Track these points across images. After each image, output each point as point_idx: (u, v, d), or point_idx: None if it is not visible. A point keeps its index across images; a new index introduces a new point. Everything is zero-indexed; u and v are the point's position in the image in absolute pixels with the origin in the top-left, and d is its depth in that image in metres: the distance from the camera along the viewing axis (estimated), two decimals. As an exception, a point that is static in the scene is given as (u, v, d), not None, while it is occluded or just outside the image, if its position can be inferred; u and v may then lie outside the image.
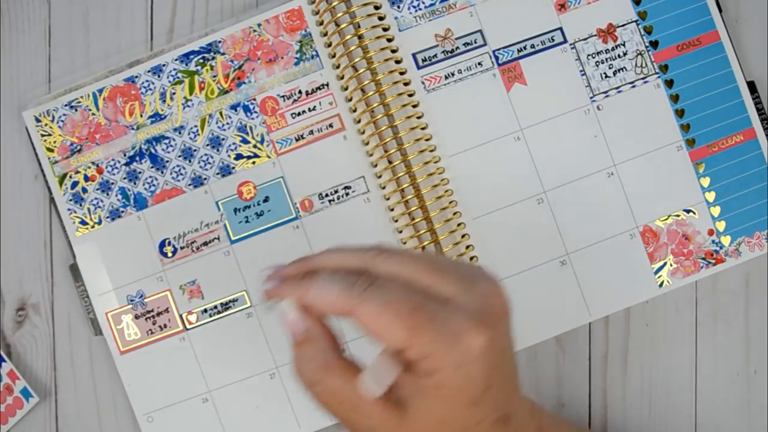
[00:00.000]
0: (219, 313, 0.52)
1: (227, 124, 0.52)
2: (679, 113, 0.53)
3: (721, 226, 0.53)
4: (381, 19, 0.52)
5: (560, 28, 0.53)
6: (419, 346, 0.35)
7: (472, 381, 0.36)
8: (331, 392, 0.38)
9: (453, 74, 0.52)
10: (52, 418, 0.53)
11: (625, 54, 0.53)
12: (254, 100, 0.52)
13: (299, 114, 0.52)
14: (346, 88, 0.52)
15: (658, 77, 0.53)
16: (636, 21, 0.53)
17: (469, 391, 0.36)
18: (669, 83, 0.53)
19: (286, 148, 0.52)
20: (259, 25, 0.52)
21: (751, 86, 0.53)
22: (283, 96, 0.52)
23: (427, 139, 0.52)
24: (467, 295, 0.37)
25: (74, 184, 0.52)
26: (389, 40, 0.52)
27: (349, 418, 0.38)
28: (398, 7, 0.52)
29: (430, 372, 0.36)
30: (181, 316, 0.52)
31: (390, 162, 0.51)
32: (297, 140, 0.52)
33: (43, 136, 0.52)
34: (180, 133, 0.52)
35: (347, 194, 0.52)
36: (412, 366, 0.36)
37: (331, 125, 0.52)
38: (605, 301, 0.52)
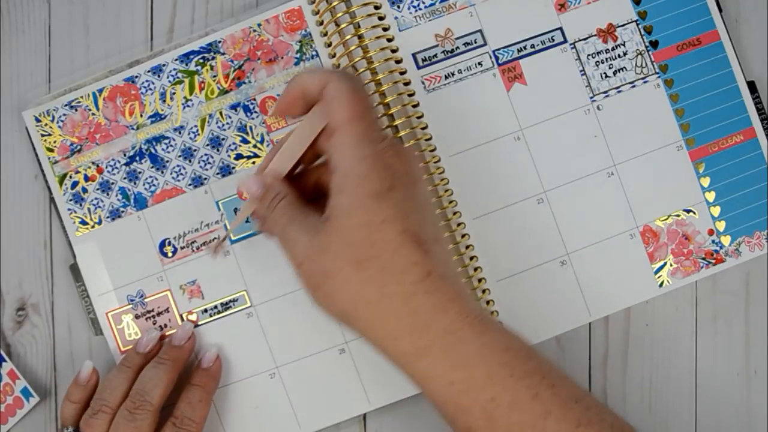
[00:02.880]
0: (219, 313, 0.52)
1: (227, 124, 0.52)
2: (679, 113, 0.53)
3: (721, 226, 0.53)
4: (381, 19, 0.52)
5: (560, 28, 0.53)
6: (350, 130, 0.41)
7: (373, 172, 0.41)
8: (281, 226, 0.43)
9: (453, 74, 0.52)
10: (52, 418, 0.53)
11: (625, 54, 0.53)
12: (254, 100, 0.52)
13: (299, 114, 0.52)
14: (346, 88, 0.52)
15: (658, 77, 0.53)
16: (636, 21, 0.53)
17: (371, 182, 0.41)
18: (669, 83, 0.53)
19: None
20: (259, 25, 0.52)
21: (751, 86, 0.53)
22: (283, 96, 0.52)
23: (427, 139, 0.52)
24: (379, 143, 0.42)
25: (74, 184, 0.52)
26: (389, 40, 0.52)
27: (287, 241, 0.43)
28: (398, 7, 0.52)
29: (339, 163, 0.41)
30: (181, 316, 0.52)
31: (390, 162, 0.51)
32: (297, 140, 0.52)
33: (43, 136, 0.52)
34: (180, 133, 0.52)
35: (347, 194, 0.52)
36: (329, 166, 0.42)
37: (331, 125, 0.52)
38: (605, 301, 0.52)
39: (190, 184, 0.52)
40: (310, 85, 0.43)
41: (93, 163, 0.52)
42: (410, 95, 0.52)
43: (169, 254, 0.52)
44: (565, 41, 0.53)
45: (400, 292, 0.40)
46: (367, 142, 0.41)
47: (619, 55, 0.53)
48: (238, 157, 0.52)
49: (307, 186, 0.46)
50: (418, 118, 0.52)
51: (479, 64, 0.52)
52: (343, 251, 0.41)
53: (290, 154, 0.45)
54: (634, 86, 0.53)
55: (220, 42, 0.52)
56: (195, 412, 0.49)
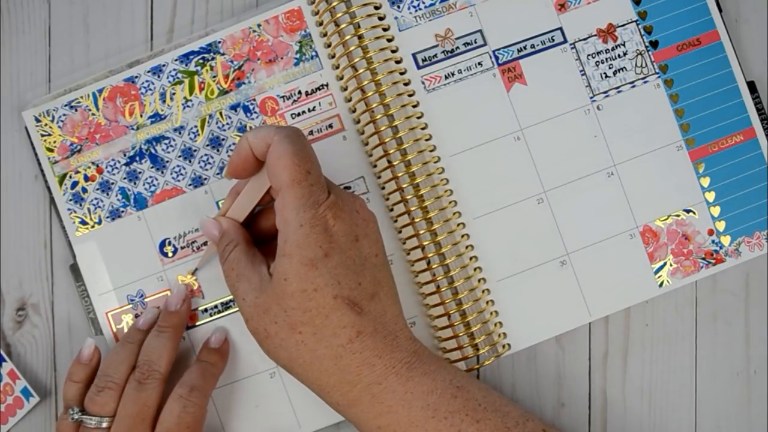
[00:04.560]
0: (219, 312, 0.52)
1: (227, 124, 0.52)
2: (679, 113, 0.53)
3: (721, 226, 0.53)
4: (381, 19, 0.52)
5: (560, 28, 0.53)
6: (290, 195, 0.43)
7: (310, 239, 0.43)
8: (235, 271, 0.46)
9: (453, 74, 0.52)
10: (52, 417, 0.53)
11: (625, 54, 0.53)
12: (254, 100, 0.52)
13: (299, 114, 0.52)
14: (346, 89, 0.52)
15: (658, 77, 0.53)
16: (636, 21, 0.53)
17: (307, 251, 0.43)
18: (669, 83, 0.53)
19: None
20: (258, 25, 0.52)
21: (751, 86, 0.53)
22: (282, 96, 0.52)
23: (427, 139, 0.52)
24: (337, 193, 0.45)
25: (74, 184, 0.52)
26: (389, 40, 0.52)
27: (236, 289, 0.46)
28: (398, 7, 0.52)
29: (281, 227, 0.43)
30: (181, 316, 0.52)
31: (390, 162, 0.51)
32: (297, 140, 0.52)
33: (43, 136, 0.52)
34: (180, 133, 0.52)
35: (347, 194, 0.52)
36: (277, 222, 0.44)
37: (330, 125, 0.52)
38: (605, 301, 0.52)
39: (190, 185, 0.52)
40: (255, 146, 0.45)
41: (93, 163, 0.52)
42: (410, 95, 0.52)
43: (170, 254, 0.52)
44: (565, 41, 0.53)
45: (330, 355, 0.44)
46: (306, 207, 0.43)
47: (619, 55, 0.53)
48: (238, 157, 0.52)
49: (267, 224, 0.49)
50: (418, 118, 0.52)
51: (479, 64, 0.52)
52: (280, 315, 0.44)
53: (244, 206, 0.48)
54: (634, 86, 0.53)
55: (220, 42, 0.52)
56: (204, 384, 0.49)
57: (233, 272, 0.46)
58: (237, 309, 0.52)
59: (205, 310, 0.52)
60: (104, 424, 0.47)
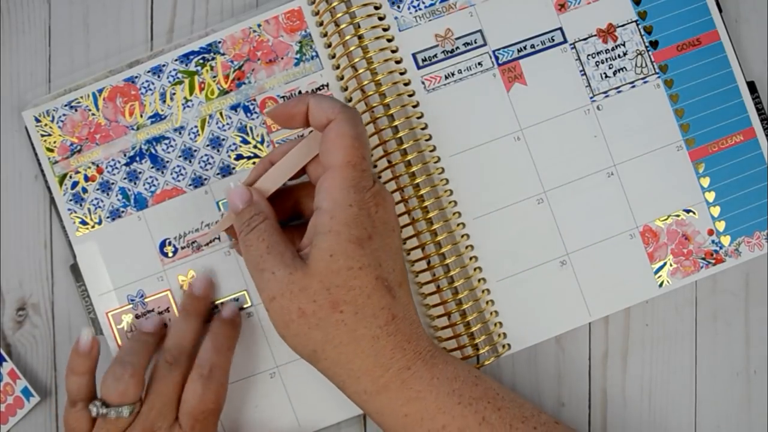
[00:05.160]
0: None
1: (227, 124, 0.52)
2: (679, 113, 0.53)
3: (721, 226, 0.53)
4: (381, 19, 0.52)
5: (560, 28, 0.53)
6: (343, 174, 0.43)
7: (358, 220, 0.43)
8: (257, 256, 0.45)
9: (453, 74, 0.52)
10: (52, 417, 0.53)
11: (625, 54, 0.53)
12: (254, 100, 0.52)
13: (299, 114, 0.52)
14: (346, 89, 0.52)
15: (658, 77, 0.53)
16: (636, 21, 0.53)
17: (355, 230, 0.43)
18: (669, 83, 0.53)
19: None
20: (259, 25, 0.52)
21: (751, 86, 0.53)
22: (283, 96, 0.52)
23: (427, 139, 0.52)
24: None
25: (74, 185, 0.52)
26: (389, 40, 0.52)
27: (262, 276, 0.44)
28: (398, 7, 0.52)
29: (325, 204, 0.43)
30: (181, 316, 0.52)
31: (390, 162, 0.51)
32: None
33: (43, 136, 0.52)
34: (180, 133, 0.52)
35: (347, 194, 0.52)
36: (315, 201, 0.44)
37: (331, 125, 0.52)
38: (605, 301, 0.52)
39: (190, 185, 0.52)
40: (314, 114, 0.45)
41: (93, 163, 0.52)
42: (410, 95, 0.52)
43: (170, 254, 0.52)
44: (565, 41, 0.53)
45: (368, 335, 0.44)
46: (356, 189, 0.43)
47: (619, 55, 0.53)
48: (239, 157, 0.52)
49: (285, 206, 0.48)
50: (418, 118, 0.52)
51: (479, 64, 0.52)
52: (322, 293, 0.43)
53: (280, 175, 0.46)
54: (634, 86, 0.53)
55: (220, 42, 0.52)
56: (221, 359, 0.48)
57: (263, 243, 0.44)
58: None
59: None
60: (126, 413, 0.46)
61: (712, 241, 0.53)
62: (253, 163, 0.52)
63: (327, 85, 0.52)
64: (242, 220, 0.45)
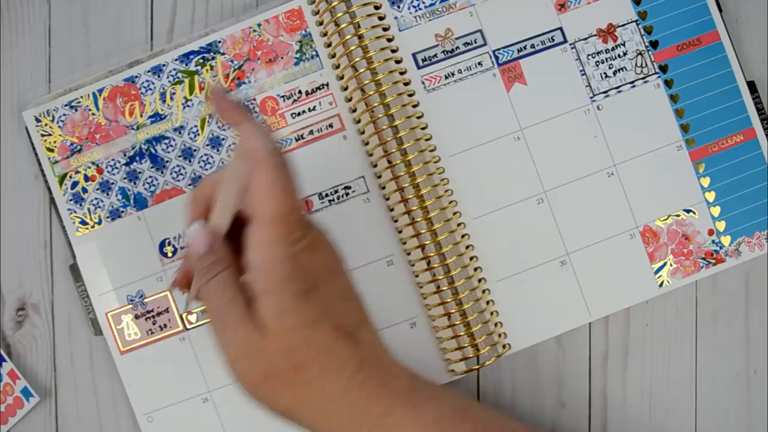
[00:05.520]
0: (219, 313, 0.52)
1: (227, 124, 0.52)
2: (679, 113, 0.53)
3: (721, 226, 0.53)
4: (381, 19, 0.52)
5: (560, 28, 0.53)
6: (273, 230, 0.40)
7: (294, 274, 0.40)
8: (216, 307, 0.42)
9: (453, 74, 0.52)
10: (52, 418, 0.53)
11: (625, 54, 0.53)
12: (254, 100, 0.52)
13: (299, 114, 0.52)
14: (346, 88, 0.52)
15: (658, 77, 0.53)
16: (636, 21, 0.53)
17: (295, 283, 0.40)
18: (669, 83, 0.53)
19: (286, 148, 0.52)
20: (259, 25, 0.52)
21: (751, 86, 0.53)
22: (283, 96, 0.52)
23: (427, 139, 0.52)
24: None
25: (74, 184, 0.52)
26: (389, 40, 0.52)
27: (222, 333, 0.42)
28: (398, 7, 0.52)
29: (257, 259, 0.40)
30: (181, 316, 0.52)
31: (390, 162, 0.51)
32: (297, 140, 0.52)
33: (43, 136, 0.52)
34: (180, 133, 0.52)
35: (347, 194, 0.52)
36: (248, 267, 0.41)
37: (331, 125, 0.52)
38: (605, 301, 0.52)
39: (190, 184, 0.52)
40: (245, 144, 0.41)
41: (93, 163, 0.52)
42: (410, 95, 0.52)
43: (169, 254, 0.52)
44: (565, 41, 0.53)
45: (339, 389, 0.41)
46: (287, 243, 0.40)
47: (619, 55, 0.53)
48: (238, 157, 0.52)
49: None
50: (418, 118, 0.52)
51: (479, 64, 0.52)
52: (282, 355, 0.40)
53: (228, 210, 0.42)
54: (634, 86, 0.53)
55: (220, 42, 0.52)
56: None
57: (225, 295, 0.41)
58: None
59: (205, 310, 0.52)
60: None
61: (712, 241, 0.53)
62: (253, 163, 0.52)
63: (327, 85, 0.52)
64: (202, 266, 0.42)
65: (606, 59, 0.53)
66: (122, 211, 0.52)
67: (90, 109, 0.52)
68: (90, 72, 0.53)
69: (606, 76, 0.53)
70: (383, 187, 0.52)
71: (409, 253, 0.51)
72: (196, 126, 0.52)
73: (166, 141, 0.52)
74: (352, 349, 0.41)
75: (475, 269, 0.52)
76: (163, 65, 0.52)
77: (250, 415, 0.52)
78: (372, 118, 0.51)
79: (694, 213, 0.53)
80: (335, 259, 0.43)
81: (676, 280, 0.52)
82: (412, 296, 0.52)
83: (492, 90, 0.52)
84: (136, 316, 0.52)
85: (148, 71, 0.52)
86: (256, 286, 0.40)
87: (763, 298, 0.53)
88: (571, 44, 0.53)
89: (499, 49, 0.52)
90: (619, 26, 0.53)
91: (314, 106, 0.52)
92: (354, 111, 0.52)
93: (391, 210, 0.52)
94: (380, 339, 0.44)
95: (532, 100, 0.52)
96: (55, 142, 0.52)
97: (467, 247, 0.52)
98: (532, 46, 0.52)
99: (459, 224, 0.52)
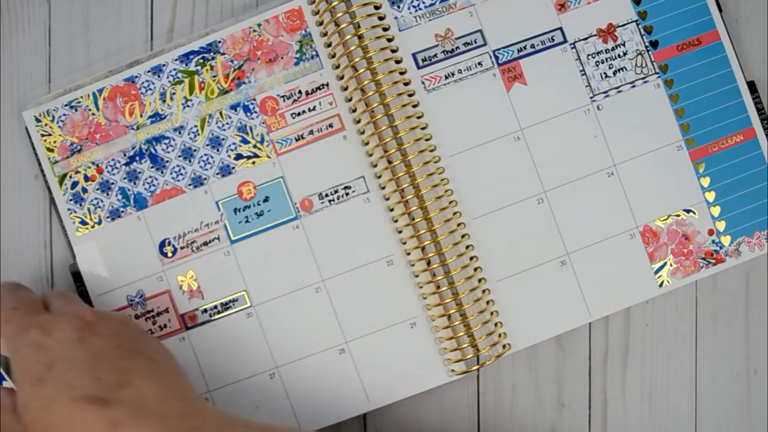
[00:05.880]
0: (219, 313, 0.52)
1: (227, 124, 0.52)
2: (679, 113, 0.53)
3: (721, 226, 0.53)
4: (381, 19, 0.52)
5: (560, 28, 0.53)
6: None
7: (29, 360, 0.43)
8: None
9: (453, 74, 0.52)
10: (52, 418, 0.53)
11: (625, 54, 0.53)
12: (254, 100, 0.52)
13: (299, 114, 0.52)
14: (346, 88, 0.52)
15: (658, 77, 0.53)
16: (636, 21, 0.53)
17: (30, 370, 0.43)
18: (669, 83, 0.53)
19: (286, 148, 0.52)
20: (259, 25, 0.52)
21: (751, 86, 0.53)
22: (283, 96, 0.52)
23: (427, 139, 0.52)
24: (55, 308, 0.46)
25: (74, 184, 0.52)
26: (389, 40, 0.52)
27: None
28: (398, 7, 0.52)
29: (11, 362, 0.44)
30: (181, 316, 0.52)
31: (390, 162, 0.51)
32: (297, 140, 0.52)
33: (43, 136, 0.52)
34: (180, 133, 0.52)
35: (347, 194, 0.52)
36: None
37: (331, 125, 0.52)
38: (605, 301, 0.52)
39: (190, 184, 0.52)
40: None
41: (93, 163, 0.52)
42: (410, 95, 0.52)
43: (169, 254, 0.52)
44: (565, 41, 0.53)
45: None
46: (15, 337, 0.44)
47: (619, 55, 0.53)
48: (238, 157, 0.52)
49: None
50: (418, 118, 0.52)
51: (479, 64, 0.52)
52: None
53: None
54: (634, 86, 0.53)
55: (220, 42, 0.52)
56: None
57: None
58: (237, 309, 0.52)
59: (205, 310, 0.52)
60: None
61: (712, 241, 0.53)
62: (253, 162, 0.52)
63: (327, 85, 0.52)
64: None
65: (606, 59, 0.53)
66: (122, 211, 0.52)
67: (90, 109, 0.52)
68: (90, 72, 0.53)
69: (606, 76, 0.53)
70: (383, 187, 0.52)
71: (408, 253, 0.51)
72: (196, 126, 0.52)
73: (166, 141, 0.52)
74: (99, 413, 0.41)
75: (475, 269, 0.52)
76: (163, 65, 0.52)
77: (250, 415, 0.52)
78: (372, 118, 0.51)
79: (694, 213, 0.53)
80: (83, 327, 0.44)
81: (676, 280, 0.52)
82: (411, 296, 0.52)
83: (492, 90, 0.52)
84: (136, 316, 0.52)
85: (148, 71, 0.52)
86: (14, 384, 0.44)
87: (763, 298, 0.53)
88: (571, 44, 0.53)
89: (499, 49, 0.52)
90: (619, 26, 0.53)
91: (314, 106, 0.52)
92: (354, 111, 0.52)
93: (391, 210, 0.52)
94: (160, 390, 0.43)
95: (532, 100, 0.52)
96: (55, 142, 0.52)
97: (467, 247, 0.52)
98: (532, 46, 0.52)
99: (459, 224, 0.52)
